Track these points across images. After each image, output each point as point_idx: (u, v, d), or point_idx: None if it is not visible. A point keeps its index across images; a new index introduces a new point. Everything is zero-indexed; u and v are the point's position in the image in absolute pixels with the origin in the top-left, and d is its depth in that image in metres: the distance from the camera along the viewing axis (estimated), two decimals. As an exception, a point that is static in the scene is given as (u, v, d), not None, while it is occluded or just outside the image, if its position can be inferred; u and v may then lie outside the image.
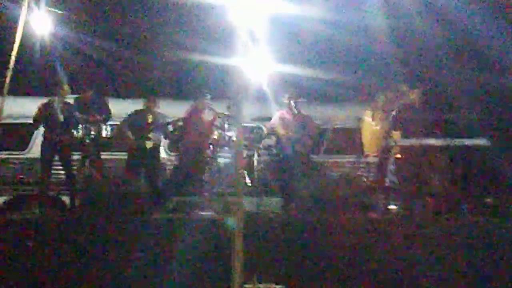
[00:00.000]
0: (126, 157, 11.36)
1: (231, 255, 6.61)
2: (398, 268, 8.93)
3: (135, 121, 11.26)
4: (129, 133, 11.17)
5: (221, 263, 8.38)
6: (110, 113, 11.49)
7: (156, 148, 11.30)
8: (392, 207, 10.93)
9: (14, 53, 10.79)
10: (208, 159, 11.25)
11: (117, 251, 8.85)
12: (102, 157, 11.40)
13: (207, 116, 11.39)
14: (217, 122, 11.39)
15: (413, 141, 10.58)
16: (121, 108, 11.81)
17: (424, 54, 13.51)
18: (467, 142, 10.45)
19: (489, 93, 11.90)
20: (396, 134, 10.93)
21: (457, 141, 10.41)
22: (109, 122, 11.48)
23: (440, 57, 13.07)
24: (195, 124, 11.31)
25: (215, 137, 11.30)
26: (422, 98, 10.98)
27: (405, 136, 10.74)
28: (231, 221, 7.83)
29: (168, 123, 11.39)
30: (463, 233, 9.19)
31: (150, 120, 11.27)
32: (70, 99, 11.41)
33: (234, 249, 6.54)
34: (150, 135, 11.16)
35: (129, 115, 11.35)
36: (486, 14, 11.94)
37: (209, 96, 11.44)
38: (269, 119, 11.56)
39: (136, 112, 11.36)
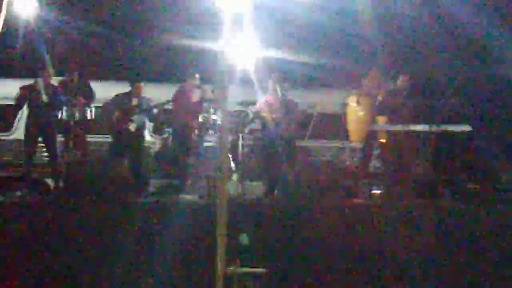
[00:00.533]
0: (109, 139, 11.34)
1: (214, 239, 6.64)
2: (382, 252, 8.99)
3: (120, 104, 11.22)
4: (116, 113, 11.12)
5: (204, 247, 8.41)
6: (93, 96, 11.46)
7: (139, 131, 11.27)
8: (375, 192, 10.99)
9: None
10: (193, 142, 11.23)
11: (99, 234, 8.86)
12: (86, 139, 11.38)
13: (195, 96, 11.38)
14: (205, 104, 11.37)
15: (397, 127, 10.62)
16: (105, 91, 11.76)
17: (410, 40, 13.52)
18: (450, 128, 10.51)
19: (473, 80, 11.95)
20: (381, 120, 10.97)
21: (441, 128, 10.46)
22: (93, 105, 11.43)
23: (425, 43, 13.10)
24: (183, 104, 11.29)
25: (200, 120, 11.28)
26: (409, 84, 11.03)
27: (390, 121, 10.78)
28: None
29: (153, 107, 11.35)
30: (445, 218, 9.27)
31: (134, 103, 11.24)
32: (55, 81, 11.36)
33: (217, 233, 6.57)
34: (133, 118, 11.13)
35: (115, 96, 11.31)
36: (473, 1, 11.97)
37: (197, 76, 11.41)
38: (255, 103, 11.55)
39: (121, 95, 11.32)
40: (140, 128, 11.30)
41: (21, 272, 8.70)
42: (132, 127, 11.11)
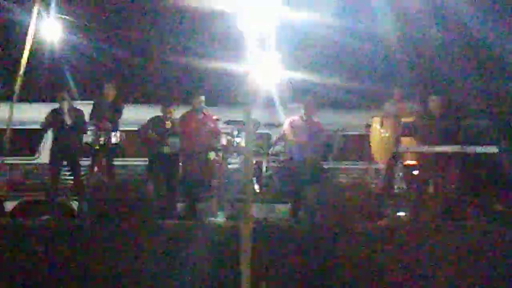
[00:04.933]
0: (138, 162, 11.37)
1: (239, 261, 6.59)
2: (407, 275, 8.88)
3: (155, 126, 11.20)
4: (153, 133, 11.09)
5: (229, 269, 8.36)
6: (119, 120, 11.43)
7: (174, 154, 11.23)
8: (401, 214, 10.88)
9: (24, 60, 10.85)
10: (216, 164, 11.15)
11: (126, 258, 8.84)
12: (113, 163, 11.37)
13: (203, 119, 11.28)
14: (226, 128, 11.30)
15: (423, 148, 10.54)
16: (132, 114, 11.80)
17: (435, 61, 13.48)
18: (478, 149, 10.41)
19: (500, 100, 11.87)
20: (406, 141, 10.89)
21: (468, 149, 10.36)
22: (120, 128, 11.38)
23: (450, 64, 13.04)
24: (191, 130, 11.21)
25: (224, 143, 11.21)
26: (441, 105, 10.92)
27: (421, 143, 10.68)
28: None
29: None
30: (473, 240, 9.14)
31: (168, 127, 11.20)
32: (80, 105, 11.41)
33: (243, 256, 6.52)
34: (167, 142, 11.09)
35: (150, 119, 11.29)
36: (499, 21, 11.93)
37: (202, 97, 11.31)
38: (277, 125, 11.51)
39: (156, 118, 11.30)
40: (174, 151, 11.26)
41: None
42: (166, 150, 11.09)
